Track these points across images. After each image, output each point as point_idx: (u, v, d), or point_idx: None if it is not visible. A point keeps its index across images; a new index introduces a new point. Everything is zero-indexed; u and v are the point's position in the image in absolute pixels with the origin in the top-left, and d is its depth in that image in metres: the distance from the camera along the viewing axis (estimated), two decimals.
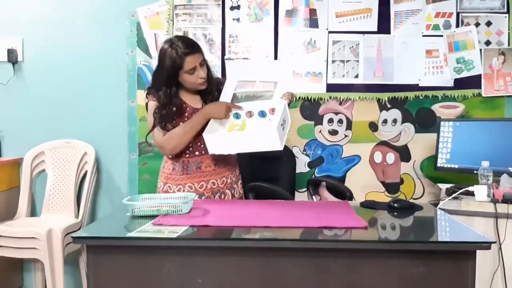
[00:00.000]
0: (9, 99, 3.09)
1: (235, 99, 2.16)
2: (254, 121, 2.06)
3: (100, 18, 3.05)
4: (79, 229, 2.79)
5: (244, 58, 2.95)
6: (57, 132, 3.06)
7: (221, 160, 2.14)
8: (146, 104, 2.13)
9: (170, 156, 2.14)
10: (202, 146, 2.08)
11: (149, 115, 2.09)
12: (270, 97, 2.13)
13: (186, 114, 2.09)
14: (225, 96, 2.16)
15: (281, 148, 1.93)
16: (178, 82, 2.08)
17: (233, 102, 2.13)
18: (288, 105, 2.07)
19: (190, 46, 2.04)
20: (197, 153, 2.11)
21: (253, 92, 2.20)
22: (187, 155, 2.11)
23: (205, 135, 2.00)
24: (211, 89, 2.15)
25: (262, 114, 2.06)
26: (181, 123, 2.07)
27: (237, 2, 2.97)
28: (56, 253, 2.64)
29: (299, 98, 2.95)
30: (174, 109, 2.06)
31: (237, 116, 2.08)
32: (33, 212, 3.05)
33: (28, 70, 3.09)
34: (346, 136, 3.01)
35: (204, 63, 2.08)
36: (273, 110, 2.04)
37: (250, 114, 2.07)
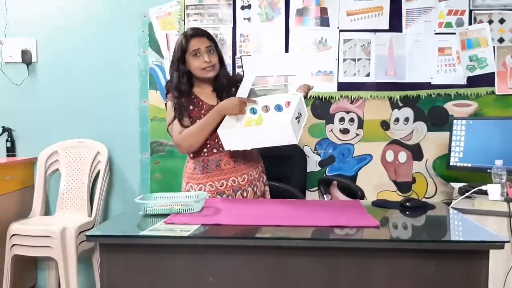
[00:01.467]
0: (23, 99, 3.13)
1: (253, 94, 2.14)
2: (270, 115, 2.03)
3: (112, 18, 3.08)
4: (92, 227, 2.82)
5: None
6: (70, 131, 3.09)
7: (240, 157, 2.12)
8: (165, 104, 2.15)
9: (190, 156, 2.14)
10: (220, 143, 2.06)
11: (168, 114, 2.11)
12: (286, 90, 2.11)
13: (203, 112, 2.09)
14: (242, 92, 2.13)
15: (296, 142, 1.89)
16: (191, 74, 2.09)
17: (250, 98, 2.10)
18: (305, 97, 2.02)
19: (197, 30, 2.11)
20: (215, 150, 2.10)
21: (270, 86, 2.18)
22: (206, 154, 2.10)
23: (219, 131, 1.99)
24: (224, 85, 2.14)
25: (279, 108, 2.03)
26: (198, 121, 2.07)
27: (248, 1, 2.97)
28: (70, 252, 2.68)
29: (310, 97, 2.94)
30: (185, 98, 2.07)
31: (253, 111, 2.06)
32: (47, 211, 3.08)
33: (42, 70, 3.13)
34: (357, 135, 3.00)
35: (213, 50, 2.08)
36: (289, 103, 2.00)
37: (266, 108, 2.04)
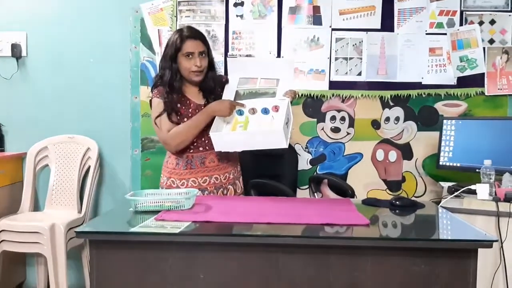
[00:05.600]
0: (12, 94, 3.10)
1: (238, 96, 2.18)
2: (257, 118, 2.08)
3: (104, 14, 3.05)
4: (81, 224, 2.81)
5: (247, 55, 2.97)
6: (60, 127, 3.06)
7: (224, 156, 2.16)
8: (150, 101, 2.16)
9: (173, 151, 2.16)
10: (207, 141, 2.12)
11: (154, 109, 2.12)
12: (273, 94, 2.15)
13: (190, 110, 2.12)
14: (228, 93, 2.18)
15: (286, 146, 1.98)
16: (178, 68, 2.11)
17: (236, 99, 2.14)
18: (291, 102, 2.10)
19: (193, 32, 2.11)
20: (201, 148, 2.14)
21: (256, 89, 2.21)
22: (192, 150, 2.13)
23: (211, 133, 2.03)
24: (213, 87, 2.18)
25: (265, 111, 2.08)
26: (185, 119, 2.08)
27: None
28: (59, 248, 2.66)
29: (302, 95, 2.95)
30: (175, 96, 2.08)
31: (240, 112, 2.10)
32: (36, 206, 3.06)
33: (31, 65, 3.10)
34: (348, 133, 3.02)
35: (205, 55, 2.12)
36: (276, 107, 2.07)
37: (253, 111, 2.10)
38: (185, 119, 2.10)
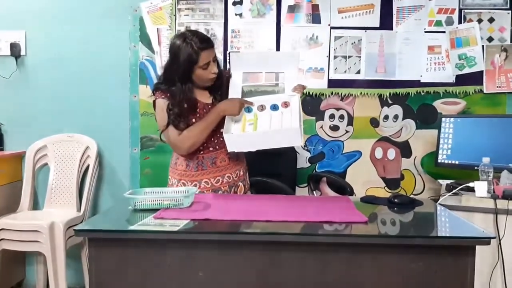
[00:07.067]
0: (12, 93, 3.10)
1: (243, 94, 2.16)
2: (266, 114, 2.06)
3: (103, 12, 3.05)
4: (81, 222, 2.80)
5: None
6: (59, 126, 3.07)
7: (233, 154, 2.13)
8: (154, 101, 2.11)
9: None
10: (216, 141, 2.09)
11: (159, 113, 2.07)
12: (282, 90, 2.13)
13: (198, 110, 2.08)
14: (234, 91, 2.14)
15: (302, 144, 1.97)
16: (191, 78, 2.06)
17: (242, 97, 2.12)
18: (300, 97, 2.08)
19: (205, 41, 2.03)
20: (211, 148, 2.10)
21: (261, 85, 2.19)
22: (202, 151, 2.09)
23: (225, 134, 2.00)
24: (220, 84, 2.15)
25: (274, 107, 2.06)
26: (193, 119, 2.06)
27: None
28: (58, 246, 2.66)
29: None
30: (186, 106, 2.03)
31: (248, 110, 2.08)
32: (35, 205, 3.06)
33: (31, 64, 3.10)
34: (347, 131, 3.02)
35: (215, 58, 2.08)
36: (285, 103, 2.05)
37: (262, 107, 2.07)
38: (194, 120, 2.06)
